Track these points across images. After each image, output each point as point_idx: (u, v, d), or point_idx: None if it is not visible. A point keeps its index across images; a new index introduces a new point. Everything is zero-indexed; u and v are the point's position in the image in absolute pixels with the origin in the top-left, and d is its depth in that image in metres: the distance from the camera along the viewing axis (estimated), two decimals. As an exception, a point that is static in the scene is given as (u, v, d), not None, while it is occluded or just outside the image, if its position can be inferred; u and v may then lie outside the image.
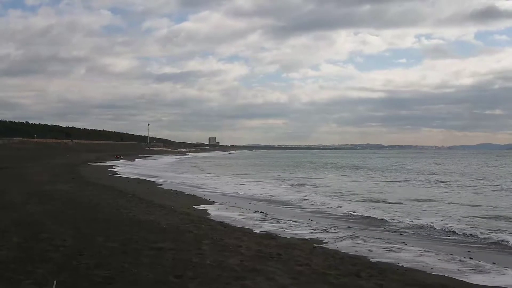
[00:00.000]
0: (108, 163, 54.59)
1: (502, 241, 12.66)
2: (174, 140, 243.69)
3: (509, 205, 21.48)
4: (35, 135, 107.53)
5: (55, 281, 6.20)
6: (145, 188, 24.18)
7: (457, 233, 13.83)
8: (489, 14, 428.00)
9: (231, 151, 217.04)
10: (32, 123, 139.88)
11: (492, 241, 12.77)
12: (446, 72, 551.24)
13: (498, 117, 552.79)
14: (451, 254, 10.56)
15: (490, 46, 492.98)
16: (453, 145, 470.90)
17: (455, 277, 8.55)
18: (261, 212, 17.03)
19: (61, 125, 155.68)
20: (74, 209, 14.21)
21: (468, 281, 8.35)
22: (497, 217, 17.24)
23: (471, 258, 10.32)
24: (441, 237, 13.59)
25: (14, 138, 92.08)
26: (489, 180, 37.65)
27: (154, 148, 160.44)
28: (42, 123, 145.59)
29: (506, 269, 9.35)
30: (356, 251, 10.52)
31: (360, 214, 17.90)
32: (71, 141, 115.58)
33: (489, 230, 14.15)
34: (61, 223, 11.50)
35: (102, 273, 7.02)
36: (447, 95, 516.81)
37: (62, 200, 16.40)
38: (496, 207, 20.59)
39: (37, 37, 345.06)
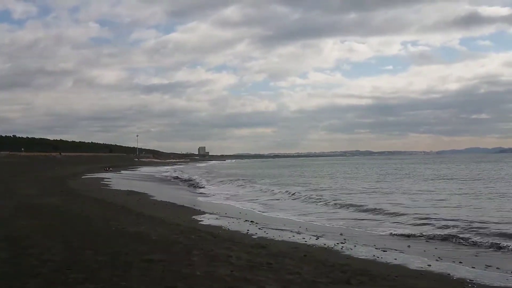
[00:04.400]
0: (97, 175, 54.16)
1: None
2: (163, 151, 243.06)
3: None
4: (22, 149, 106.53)
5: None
6: (135, 200, 24.05)
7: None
8: (472, 20, 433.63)
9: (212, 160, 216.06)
10: (19, 137, 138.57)
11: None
12: (432, 78, 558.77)
13: (484, 121, 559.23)
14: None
15: (474, 52, 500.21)
16: (442, 150, 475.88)
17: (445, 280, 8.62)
18: (251, 221, 17.01)
19: (49, 138, 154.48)
20: (63, 223, 14.07)
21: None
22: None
23: (461, 262, 10.42)
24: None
25: (1, 152, 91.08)
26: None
27: (144, 159, 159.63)
28: (29, 137, 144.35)
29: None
30: (347, 258, 10.56)
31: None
32: (59, 154, 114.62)
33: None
34: (50, 237, 11.36)
35: (91, 287, 6.95)
36: (434, 100, 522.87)
37: (51, 214, 16.24)
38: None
39: (24, 51, 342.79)
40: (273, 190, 33.59)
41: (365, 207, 21.97)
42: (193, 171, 79.66)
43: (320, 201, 25.44)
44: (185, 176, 56.21)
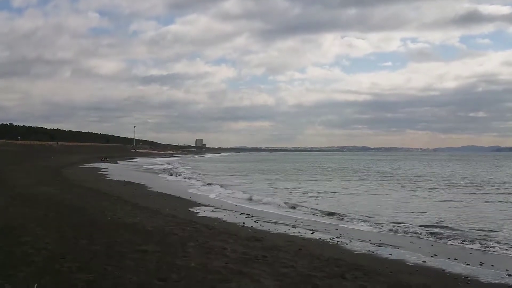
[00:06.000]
0: (93, 165, 54.11)
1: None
2: (160, 142, 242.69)
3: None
4: (19, 137, 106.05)
5: (35, 285, 6.09)
6: (131, 191, 23.99)
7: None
8: (472, 18, 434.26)
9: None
10: (16, 125, 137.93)
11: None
12: (431, 75, 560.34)
13: (481, 120, 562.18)
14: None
15: (473, 50, 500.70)
16: (438, 147, 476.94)
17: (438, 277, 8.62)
18: (247, 214, 16.99)
19: (45, 127, 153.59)
20: (58, 212, 14.02)
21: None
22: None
23: (456, 259, 10.42)
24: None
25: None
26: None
27: (140, 150, 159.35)
28: (26, 125, 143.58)
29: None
30: (342, 253, 10.55)
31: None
32: (56, 143, 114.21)
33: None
34: (44, 226, 11.32)
35: (85, 277, 6.91)
36: (432, 98, 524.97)
37: (46, 203, 16.16)
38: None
39: (22, 39, 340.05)
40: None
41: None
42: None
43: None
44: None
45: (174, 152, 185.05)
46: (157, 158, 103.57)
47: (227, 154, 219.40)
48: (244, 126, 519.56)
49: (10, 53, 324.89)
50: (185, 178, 39.93)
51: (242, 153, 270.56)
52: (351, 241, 12.25)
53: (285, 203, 21.56)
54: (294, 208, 20.24)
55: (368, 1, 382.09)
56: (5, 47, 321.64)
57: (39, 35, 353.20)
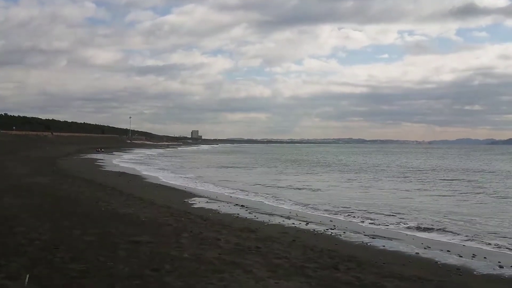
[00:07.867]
0: (89, 156, 54.06)
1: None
2: (156, 133, 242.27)
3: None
4: (13, 127, 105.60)
5: (27, 275, 6.07)
6: (125, 181, 23.96)
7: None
8: (468, 11, 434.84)
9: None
10: (11, 115, 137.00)
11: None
12: (427, 68, 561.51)
13: (477, 113, 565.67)
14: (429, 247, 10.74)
15: (469, 43, 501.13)
16: (434, 140, 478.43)
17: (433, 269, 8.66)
18: (241, 205, 17.00)
19: (40, 118, 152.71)
20: (52, 203, 13.99)
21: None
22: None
23: (448, 251, 10.47)
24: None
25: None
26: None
27: (136, 141, 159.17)
28: (21, 115, 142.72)
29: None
30: (335, 244, 10.57)
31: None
32: (51, 133, 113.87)
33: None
34: (38, 217, 11.29)
35: (77, 267, 6.89)
36: (428, 90, 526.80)
37: (40, 194, 16.13)
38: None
39: (18, 28, 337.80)
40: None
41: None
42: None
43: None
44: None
45: (170, 143, 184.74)
46: (153, 149, 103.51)
47: (217, 146, 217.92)
48: (240, 118, 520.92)
49: (5, 42, 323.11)
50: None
51: (234, 144, 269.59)
52: (345, 232, 12.27)
53: (274, 198, 20.67)
54: (282, 201, 19.61)
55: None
56: (0, 36, 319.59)
57: (35, 24, 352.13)
